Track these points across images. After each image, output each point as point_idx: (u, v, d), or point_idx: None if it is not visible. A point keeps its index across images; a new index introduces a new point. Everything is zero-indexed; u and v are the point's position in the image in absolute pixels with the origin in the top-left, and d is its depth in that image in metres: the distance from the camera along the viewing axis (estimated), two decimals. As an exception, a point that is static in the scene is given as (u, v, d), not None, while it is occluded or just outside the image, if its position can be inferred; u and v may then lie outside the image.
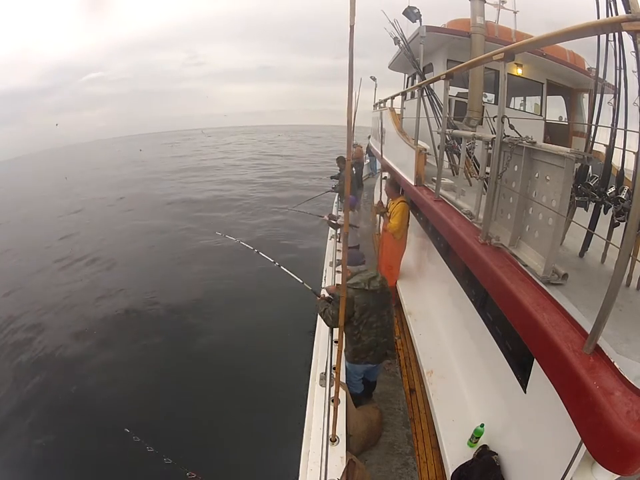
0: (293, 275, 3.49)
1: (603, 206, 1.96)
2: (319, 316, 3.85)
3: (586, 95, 5.79)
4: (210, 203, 15.98)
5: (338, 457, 2.20)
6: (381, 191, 6.24)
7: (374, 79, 10.06)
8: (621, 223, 1.81)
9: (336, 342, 2.86)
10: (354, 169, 7.73)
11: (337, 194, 7.62)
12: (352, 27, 1.32)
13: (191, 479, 2.41)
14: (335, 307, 2.62)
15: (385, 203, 5.13)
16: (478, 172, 3.22)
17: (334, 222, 5.67)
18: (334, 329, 2.97)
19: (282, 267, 3.68)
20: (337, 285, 2.99)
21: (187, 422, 4.24)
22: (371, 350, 2.73)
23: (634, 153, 1.88)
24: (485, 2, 4.98)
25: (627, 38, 1.38)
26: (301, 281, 3.38)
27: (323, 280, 4.70)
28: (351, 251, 3.12)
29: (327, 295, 2.99)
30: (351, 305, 2.59)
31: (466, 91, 5.07)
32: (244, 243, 4.46)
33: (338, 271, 4.52)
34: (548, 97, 5.91)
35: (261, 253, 4.11)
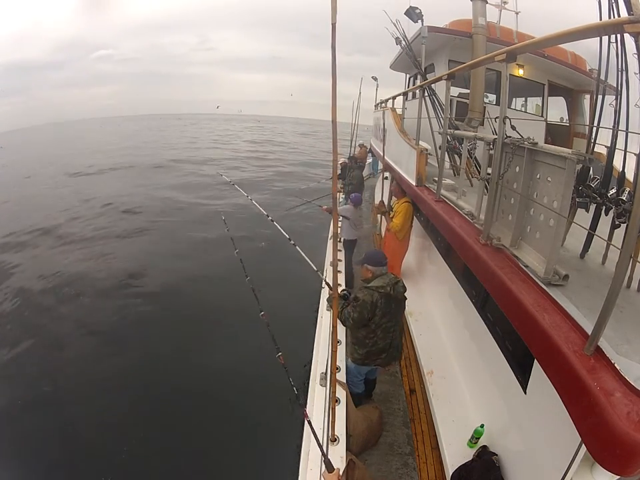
0: (308, 261, 3.26)
1: (603, 207, 1.96)
2: (319, 311, 3.83)
3: (587, 96, 5.79)
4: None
5: (338, 456, 2.20)
6: (382, 191, 6.25)
7: (375, 79, 10.09)
8: (621, 224, 1.82)
9: (338, 342, 2.86)
10: (355, 170, 7.75)
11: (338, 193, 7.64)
12: (334, 25, 1.27)
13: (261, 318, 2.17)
14: (355, 310, 2.51)
15: (387, 202, 5.12)
16: (479, 172, 3.22)
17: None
18: (335, 328, 2.93)
19: (297, 247, 3.42)
20: (361, 280, 2.79)
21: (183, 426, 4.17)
22: (383, 352, 2.70)
23: (635, 154, 1.88)
24: (487, 2, 4.98)
25: (629, 40, 1.38)
26: (315, 269, 3.23)
27: (323, 280, 4.69)
28: (373, 251, 3.05)
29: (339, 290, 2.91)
30: (374, 309, 2.51)
31: (467, 91, 5.07)
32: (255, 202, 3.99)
33: (339, 271, 4.51)
34: (549, 97, 5.91)
35: (275, 222, 3.72)
